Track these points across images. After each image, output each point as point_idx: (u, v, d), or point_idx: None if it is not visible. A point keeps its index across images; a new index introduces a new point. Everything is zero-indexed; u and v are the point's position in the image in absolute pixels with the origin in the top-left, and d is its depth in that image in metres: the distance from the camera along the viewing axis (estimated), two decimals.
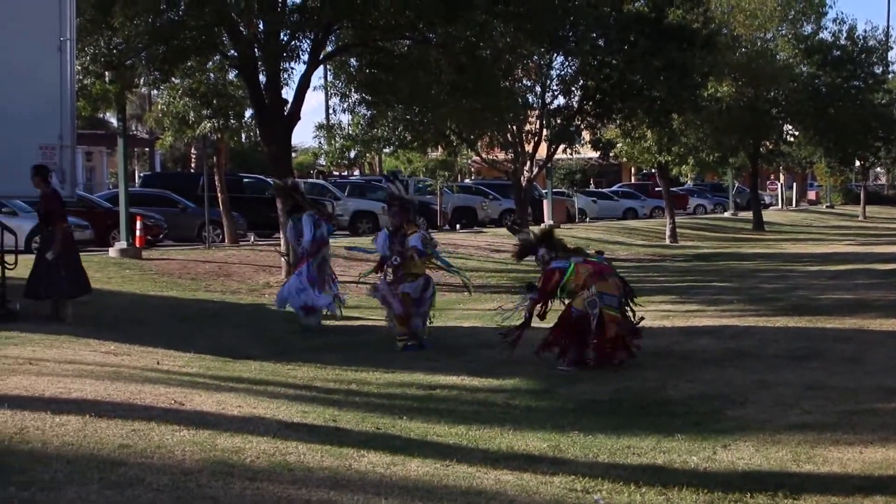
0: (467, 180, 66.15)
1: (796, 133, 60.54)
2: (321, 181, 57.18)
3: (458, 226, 51.83)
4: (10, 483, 7.08)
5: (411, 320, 17.15)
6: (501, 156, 45.61)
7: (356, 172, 69.88)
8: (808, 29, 57.94)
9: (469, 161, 58.49)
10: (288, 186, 20.88)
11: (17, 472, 7.37)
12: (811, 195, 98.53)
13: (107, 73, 28.80)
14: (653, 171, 58.63)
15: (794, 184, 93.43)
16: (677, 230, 51.47)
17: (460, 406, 12.58)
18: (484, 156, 46.26)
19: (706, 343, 17.63)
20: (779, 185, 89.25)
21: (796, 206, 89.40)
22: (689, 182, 76.54)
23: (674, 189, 59.39)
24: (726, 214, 70.78)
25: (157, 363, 13.90)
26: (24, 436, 8.53)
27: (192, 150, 49.91)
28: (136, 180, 52.60)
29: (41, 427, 8.82)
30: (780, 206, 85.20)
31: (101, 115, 46.86)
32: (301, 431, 9.74)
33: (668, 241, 50.26)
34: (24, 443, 8.33)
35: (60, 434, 8.66)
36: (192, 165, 52.93)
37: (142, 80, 32.71)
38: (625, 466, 9.48)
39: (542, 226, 16.54)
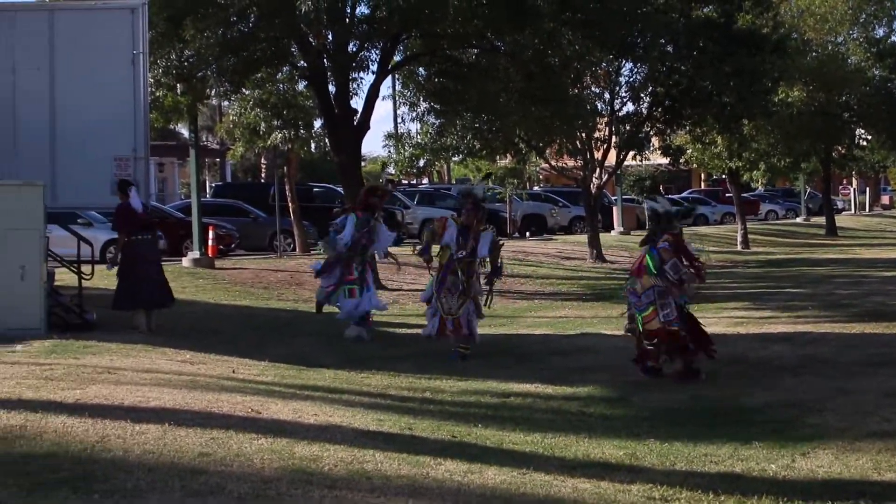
0: (536, 188, 65.99)
1: (869, 137, 59.75)
2: (392, 189, 57.32)
3: (527, 233, 51.66)
4: (93, 491, 7.16)
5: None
6: (570, 163, 45.52)
7: (425, 181, 69.87)
8: (880, 32, 57.29)
9: (538, 169, 58.43)
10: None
11: (99, 481, 7.44)
12: (885, 199, 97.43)
13: (178, 84, 29.03)
14: (723, 176, 58.00)
15: (867, 188, 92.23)
16: (749, 236, 51.12)
17: (535, 414, 12.56)
18: (553, 163, 46.13)
19: (781, 350, 17.45)
20: (851, 189, 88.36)
21: (870, 210, 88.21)
22: (760, 188, 75.77)
23: (745, 195, 58.92)
24: (798, 220, 70.10)
25: (233, 371, 13.97)
26: (105, 444, 8.60)
27: (263, 161, 50.36)
28: (208, 190, 52.89)
29: (122, 435, 8.89)
30: (853, 210, 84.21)
31: (173, 127, 47.13)
32: (377, 439, 9.76)
33: (739, 248, 49.89)
34: (106, 451, 8.39)
35: (141, 442, 8.72)
36: (263, 175, 53.39)
37: (213, 92, 33.01)
38: (702, 475, 9.42)
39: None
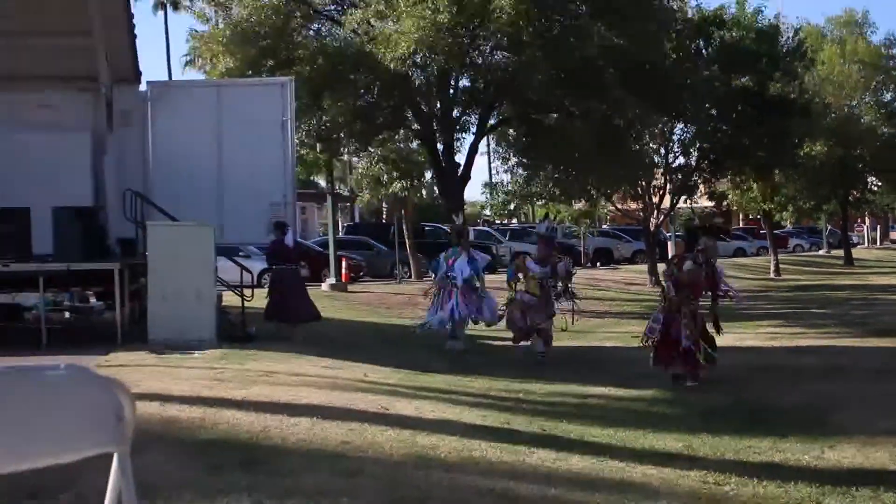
0: (605, 226, 65.71)
1: (879, 184, 58.88)
2: (487, 228, 57.65)
3: (598, 264, 51.58)
4: (259, 471, 7.24)
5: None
6: (633, 206, 45.42)
7: (514, 221, 69.88)
8: (888, 96, 56.45)
9: (606, 210, 58.23)
10: (455, 226, 21.32)
11: (262, 463, 7.53)
12: (893, 235, 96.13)
13: (318, 144, 29.44)
14: (758, 216, 57.55)
15: (878, 226, 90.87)
16: (780, 265, 50.49)
17: (608, 412, 12.46)
18: (618, 206, 46.17)
19: (809, 360, 17.18)
20: (865, 227, 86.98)
21: (880, 244, 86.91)
22: (789, 225, 74.86)
23: (776, 231, 58.17)
24: (821, 252, 69.07)
25: (365, 375, 13.99)
26: (267, 433, 8.69)
27: (384, 204, 50.60)
28: (341, 229, 53.35)
29: (280, 427, 8.96)
30: (866, 244, 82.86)
31: (314, 178, 47.71)
32: (482, 432, 9.74)
33: (772, 275, 49.23)
34: (268, 439, 8.49)
35: (295, 432, 8.78)
36: (384, 216, 53.68)
37: (345, 150, 33.31)
38: (747, 463, 9.27)
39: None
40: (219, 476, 6.94)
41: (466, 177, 30.74)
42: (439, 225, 46.07)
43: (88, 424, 2.38)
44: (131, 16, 19.69)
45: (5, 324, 17.81)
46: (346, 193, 49.38)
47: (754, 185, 45.95)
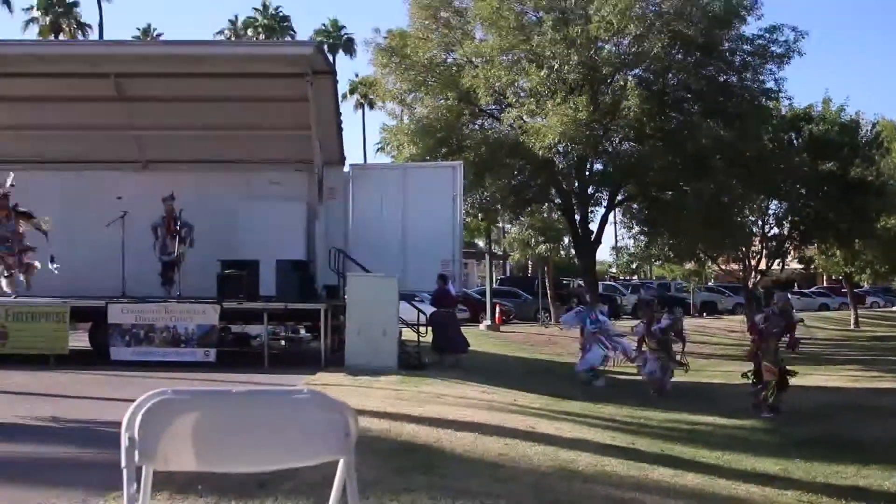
0: (710, 282, 64.03)
1: None
2: (613, 283, 56.92)
3: (704, 314, 50.31)
4: (434, 474, 7.21)
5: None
6: (734, 266, 44.37)
7: (635, 277, 68.76)
8: None
9: (712, 270, 56.89)
10: (575, 290, 21.27)
11: (436, 468, 7.49)
12: None
13: (479, 214, 29.62)
14: (840, 277, 55.25)
15: None
16: (859, 319, 48.44)
17: (716, 438, 12.06)
18: (722, 266, 45.08)
19: (887, 400, 16.35)
20: None
21: None
22: (866, 286, 71.58)
23: (855, 290, 55.71)
24: (894, 309, 65.95)
25: (515, 400, 13.88)
26: (439, 444, 8.66)
27: (530, 262, 50.46)
28: (495, 281, 53.52)
29: (449, 439, 8.94)
30: None
31: (474, 240, 47.96)
32: (612, 450, 9.53)
33: (852, 327, 47.17)
34: (440, 448, 8.44)
35: (461, 444, 8.74)
36: (530, 271, 53.56)
37: (501, 219, 33.44)
38: (836, 486, 8.83)
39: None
40: (403, 477, 6.95)
41: (598, 241, 30.55)
42: (575, 279, 45.80)
43: (323, 437, 2.42)
44: (339, 115, 20.32)
45: (237, 348, 18.37)
46: (499, 253, 49.42)
47: (837, 252, 44.16)
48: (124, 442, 2.38)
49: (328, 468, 2.59)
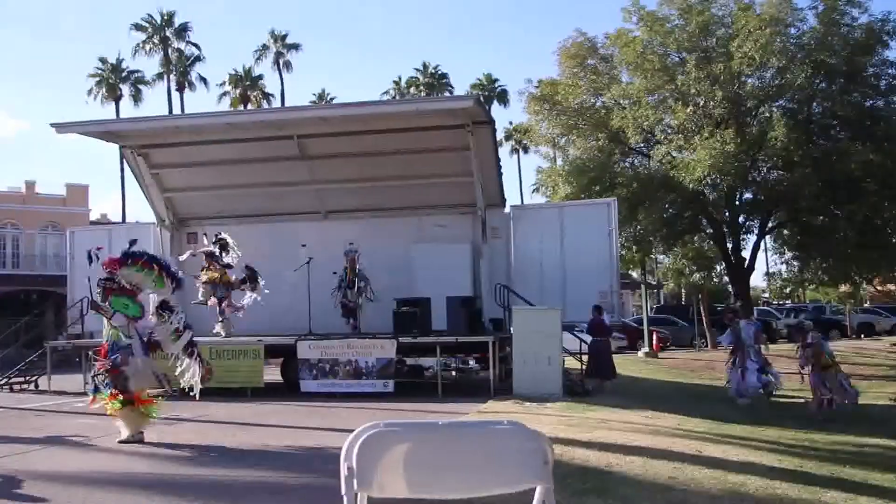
0: (866, 303, 60.42)
1: None
2: (767, 307, 54.55)
3: (861, 335, 47.40)
4: (609, 497, 7.05)
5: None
6: (891, 287, 41.67)
7: (788, 301, 65.79)
8: None
9: (867, 292, 53.66)
10: (729, 307, 20.40)
11: (610, 490, 7.33)
12: None
13: (634, 247, 29.10)
14: None
15: None
16: None
17: (886, 460, 11.17)
18: (878, 287, 42.38)
19: None
20: None
21: None
22: None
23: None
24: None
25: (678, 424, 13.42)
26: (610, 468, 8.48)
27: (683, 290, 49.09)
28: (651, 310, 52.35)
29: (619, 463, 8.74)
30: None
31: (628, 271, 47.13)
32: (780, 473, 9.01)
33: None
34: (611, 472, 8.27)
35: (631, 468, 8.53)
36: (683, 299, 52.09)
37: (654, 250, 32.74)
38: None
39: None
40: (580, 499, 6.83)
41: (751, 268, 29.39)
42: (728, 304, 44.31)
43: (524, 465, 2.41)
44: (499, 161, 20.47)
45: (412, 379, 18.62)
46: (653, 282, 48.33)
47: None
48: (343, 471, 2.42)
49: (520, 495, 2.56)
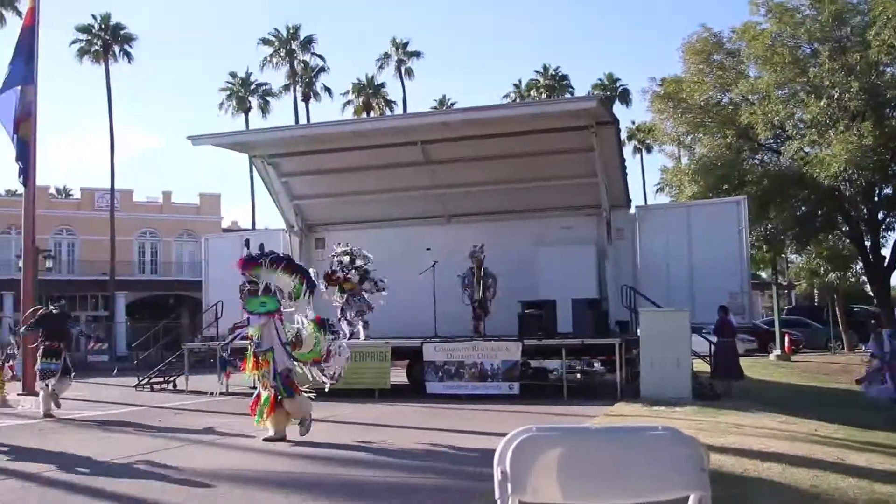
0: None
1: None
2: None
3: None
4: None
5: None
6: None
7: None
8: None
9: None
10: (873, 312, 19.37)
11: (750, 497, 7.06)
12: None
13: (764, 246, 28.20)
14: None
15: None
16: None
17: None
18: None
19: None
20: None
21: None
22: None
23: None
24: None
25: (815, 430, 12.87)
26: (747, 474, 8.19)
27: (815, 290, 47.17)
28: (782, 311, 50.55)
29: (756, 469, 8.44)
30: None
31: (756, 271, 45.69)
32: None
33: None
34: (748, 479, 7.99)
35: (769, 475, 8.21)
36: (816, 300, 50.03)
37: (787, 250, 31.59)
38: None
39: None
40: None
41: (891, 267, 27.93)
42: (865, 307, 42.19)
43: (679, 472, 2.34)
44: (623, 161, 20.19)
45: (537, 381, 18.52)
46: (783, 283, 46.65)
47: None
48: (497, 475, 2.42)
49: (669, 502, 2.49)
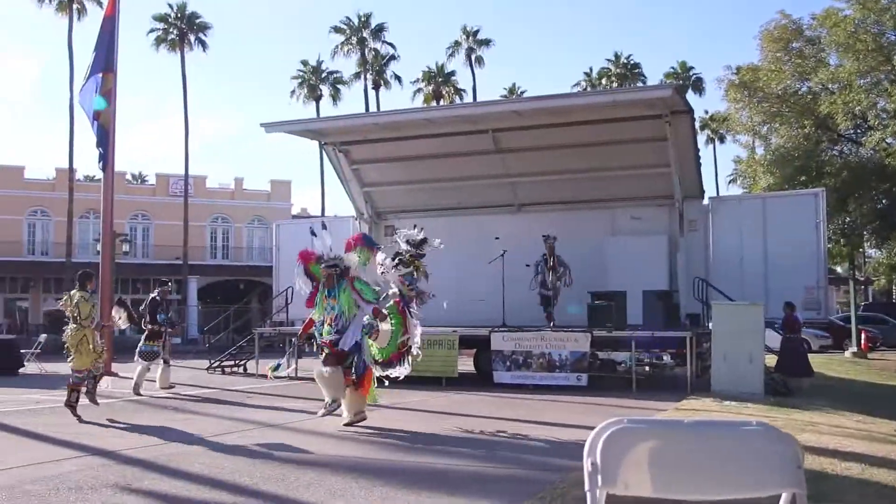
0: None
1: None
2: None
3: None
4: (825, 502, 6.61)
5: None
6: None
7: None
8: None
9: None
10: None
11: (827, 495, 6.77)
12: None
13: (842, 239, 27.51)
14: None
15: None
16: None
17: None
18: None
19: None
20: None
21: None
22: None
23: None
24: None
25: (894, 431, 12.52)
26: (824, 473, 7.85)
27: (894, 286, 45.79)
28: (858, 307, 49.13)
29: (833, 468, 8.15)
30: None
31: (833, 266, 44.54)
32: None
33: None
34: (826, 477, 7.65)
35: (849, 475, 7.90)
36: (894, 296, 48.61)
37: (866, 244, 30.78)
38: None
39: None
40: None
41: None
42: None
43: (774, 469, 2.29)
44: (698, 151, 19.84)
45: (605, 373, 18.36)
46: (860, 278, 45.43)
47: None
48: (587, 467, 2.39)
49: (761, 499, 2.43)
